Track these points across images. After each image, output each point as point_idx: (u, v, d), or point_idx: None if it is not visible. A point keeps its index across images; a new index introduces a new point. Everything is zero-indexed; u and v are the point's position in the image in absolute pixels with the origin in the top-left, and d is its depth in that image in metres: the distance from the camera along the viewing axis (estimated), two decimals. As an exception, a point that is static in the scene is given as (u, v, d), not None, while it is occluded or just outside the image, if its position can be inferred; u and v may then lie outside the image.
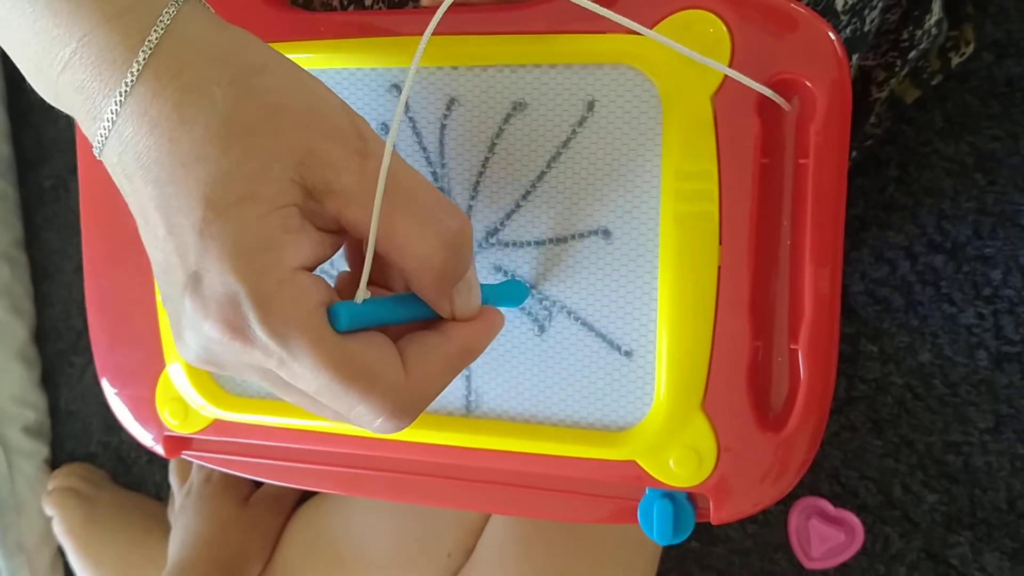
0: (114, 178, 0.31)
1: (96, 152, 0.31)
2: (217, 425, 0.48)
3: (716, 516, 0.40)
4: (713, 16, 0.37)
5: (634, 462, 0.40)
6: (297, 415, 0.46)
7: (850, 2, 0.45)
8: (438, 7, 0.41)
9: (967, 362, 0.72)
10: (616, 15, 0.35)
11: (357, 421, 0.31)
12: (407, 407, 0.31)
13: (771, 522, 0.76)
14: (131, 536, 0.88)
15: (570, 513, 0.43)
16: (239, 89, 0.29)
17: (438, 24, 0.40)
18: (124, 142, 0.29)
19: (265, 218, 0.29)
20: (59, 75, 0.30)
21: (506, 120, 0.41)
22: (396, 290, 0.35)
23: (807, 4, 0.43)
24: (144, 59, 0.29)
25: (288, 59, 0.32)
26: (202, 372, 0.47)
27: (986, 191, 0.70)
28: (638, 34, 0.37)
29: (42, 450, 0.95)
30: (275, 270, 0.29)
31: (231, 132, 0.29)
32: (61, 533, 0.88)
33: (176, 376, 0.47)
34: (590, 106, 0.40)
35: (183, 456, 0.50)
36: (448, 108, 0.42)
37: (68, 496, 0.90)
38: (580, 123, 0.40)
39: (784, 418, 0.39)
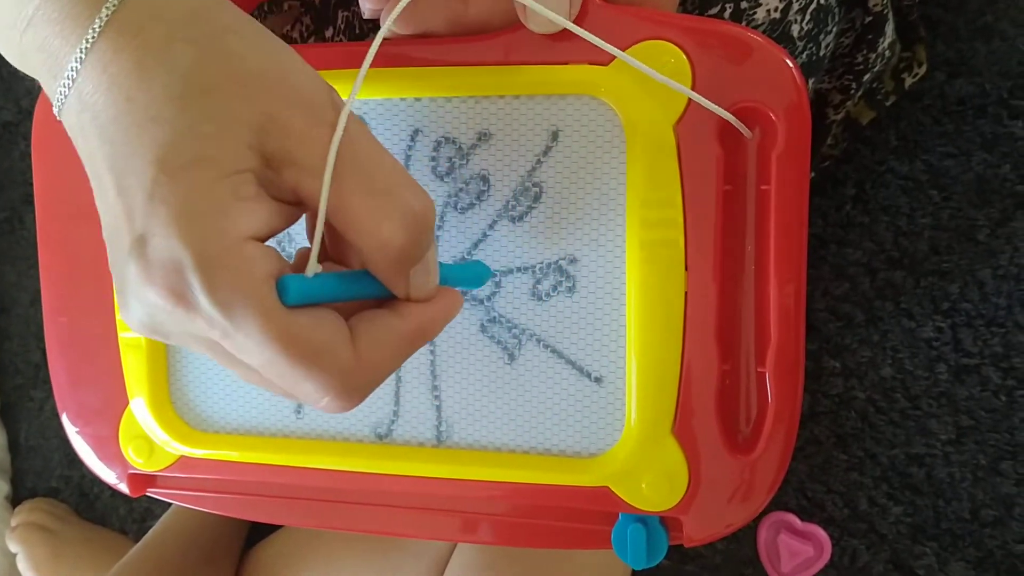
0: (72, 138, 0.30)
1: (56, 111, 0.30)
2: (183, 462, 0.47)
3: (689, 539, 0.41)
4: (674, 46, 0.37)
5: (606, 488, 0.40)
6: (264, 451, 0.45)
7: (806, 28, 0.46)
8: (400, 36, 0.41)
9: (927, 375, 0.73)
10: (590, 35, 0.36)
11: (304, 398, 0.30)
12: (355, 388, 0.30)
13: (740, 538, 0.77)
14: (97, 571, 0.86)
15: (544, 540, 0.43)
16: (202, 49, 0.28)
17: (402, 56, 0.41)
18: (83, 100, 0.28)
19: (217, 183, 0.27)
20: (22, 34, 0.29)
21: (471, 150, 0.41)
22: (353, 267, 0.33)
23: (764, 31, 0.44)
24: (107, 15, 0.28)
25: (259, 23, 0.30)
26: (166, 407, 0.47)
27: (941, 207, 0.72)
28: (600, 64, 0.38)
29: (2, 487, 0.94)
30: (223, 237, 0.27)
31: (189, 92, 0.27)
32: (26, 569, 0.87)
33: (140, 413, 0.47)
34: (554, 136, 0.40)
35: (148, 494, 0.49)
36: (412, 139, 0.42)
37: (32, 531, 0.88)
38: (545, 153, 0.40)
39: (753, 440, 0.39)
